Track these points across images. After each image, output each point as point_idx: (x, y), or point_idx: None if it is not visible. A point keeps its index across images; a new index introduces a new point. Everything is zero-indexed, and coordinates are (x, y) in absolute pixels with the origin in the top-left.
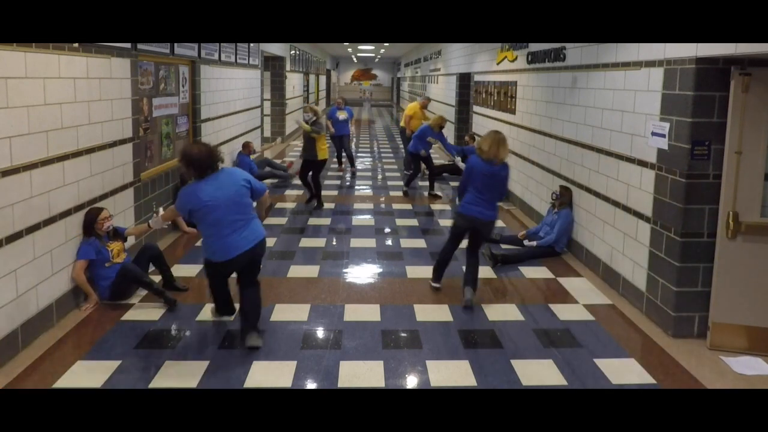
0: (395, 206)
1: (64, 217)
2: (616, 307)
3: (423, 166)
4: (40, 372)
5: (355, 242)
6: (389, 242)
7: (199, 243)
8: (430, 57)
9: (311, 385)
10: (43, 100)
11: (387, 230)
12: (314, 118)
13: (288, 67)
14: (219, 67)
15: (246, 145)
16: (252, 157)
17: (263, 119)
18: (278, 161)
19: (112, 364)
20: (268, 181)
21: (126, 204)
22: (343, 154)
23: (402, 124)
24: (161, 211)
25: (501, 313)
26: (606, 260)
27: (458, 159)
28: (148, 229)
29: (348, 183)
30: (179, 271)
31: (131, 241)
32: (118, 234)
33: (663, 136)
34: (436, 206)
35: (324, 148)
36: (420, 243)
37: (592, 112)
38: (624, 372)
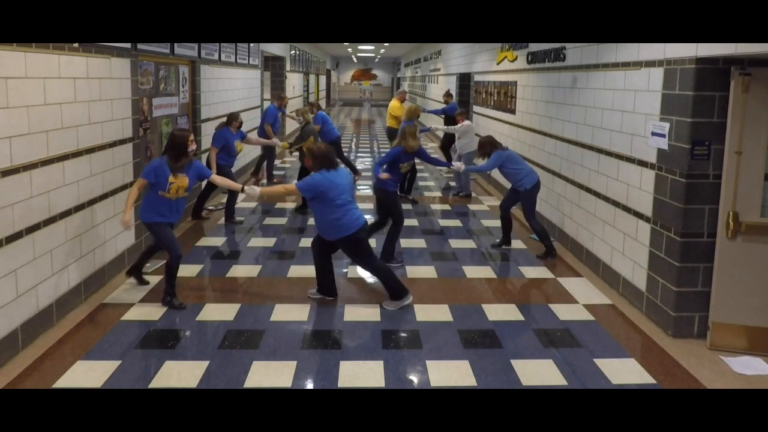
0: None
1: (64, 217)
2: (616, 307)
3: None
4: (40, 372)
5: None
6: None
7: (199, 243)
8: (430, 57)
9: (311, 385)
10: (43, 100)
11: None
12: (304, 123)
13: (288, 67)
14: (219, 67)
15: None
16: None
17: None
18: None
19: (112, 364)
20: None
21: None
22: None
23: (389, 124)
24: (257, 189)
25: (501, 313)
26: (606, 260)
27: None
28: (236, 189)
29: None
30: (180, 271)
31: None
32: (201, 175)
33: (663, 136)
34: (435, 206)
35: None
36: (420, 243)
37: (592, 112)
38: (624, 372)
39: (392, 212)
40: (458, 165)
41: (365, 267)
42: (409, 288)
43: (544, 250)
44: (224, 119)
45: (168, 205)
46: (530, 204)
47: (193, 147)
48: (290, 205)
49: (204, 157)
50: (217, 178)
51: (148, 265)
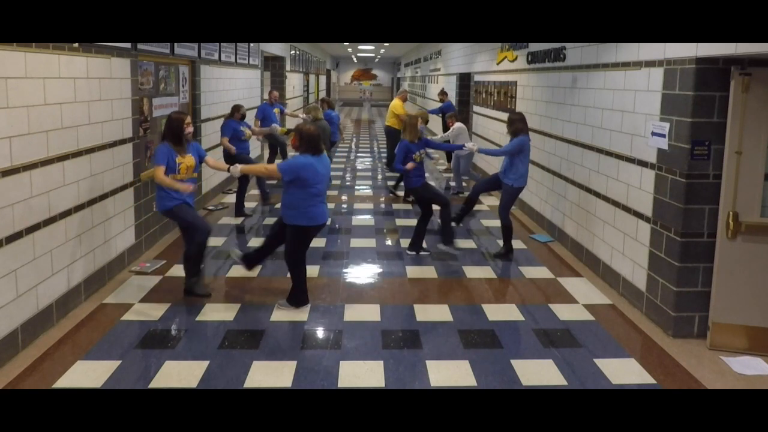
0: (395, 206)
1: (64, 217)
2: (616, 307)
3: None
4: (40, 372)
5: (355, 242)
6: (389, 242)
7: None
8: (430, 57)
9: (311, 385)
10: (43, 100)
11: (386, 230)
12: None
13: (288, 67)
14: (219, 67)
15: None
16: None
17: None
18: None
19: (112, 364)
20: None
21: (126, 204)
22: None
23: (389, 123)
24: (239, 166)
25: (501, 313)
26: (606, 260)
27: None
28: (224, 169)
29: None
30: (180, 271)
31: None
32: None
33: (663, 136)
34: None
35: None
36: None
37: (592, 112)
38: (624, 372)
39: (422, 203)
40: (471, 145)
41: (288, 262)
42: (413, 288)
43: (504, 250)
44: (225, 117)
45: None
46: (510, 201)
47: (190, 129)
48: None
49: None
50: (210, 160)
51: (148, 264)
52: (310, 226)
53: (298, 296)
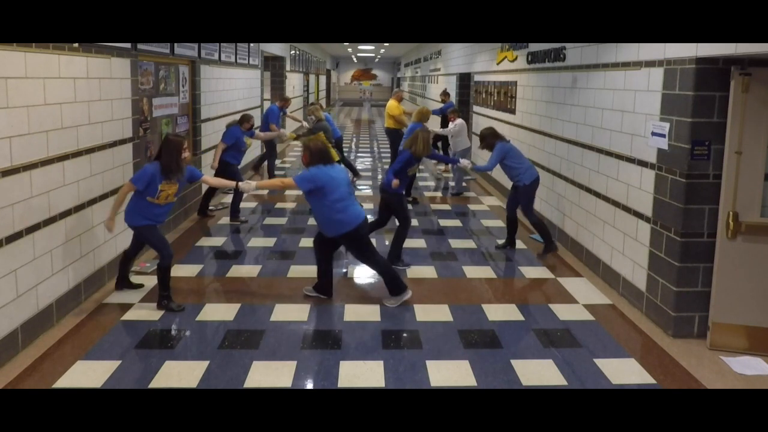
0: None
1: (64, 217)
2: (616, 307)
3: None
4: (40, 372)
5: None
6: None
7: (200, 243)
8: (430, 57)
9: (311, 385)
10: (43, 100)
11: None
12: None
13: (288, 67)
14: (219, 67)
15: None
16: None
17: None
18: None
19: (112, 364)
20: None
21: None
22: None
23: (387, 124)
24: (252, 183)
25: (501, 313)
26: (606, 260)
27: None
28: (230, 186)
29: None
30: (180, 271)
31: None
32: (192, 177)
33: (663, 136)
34: (435, 206)
35: None
36: (420, 243)
37: (592, 112)
38: (624, 372)
39: (399, 214)
40: (465, 162)
41: (366, 262)
42: (413, 288)
43: (543, 248)
44: (228, 118)
45: (156, 209)
46: (528, 199)
47: (186, 155)
48: (290, 205)
49: (204, 157)
50: (209, 179)
51: (147, 264)
52: (355, 228)
53: (395, 284)
